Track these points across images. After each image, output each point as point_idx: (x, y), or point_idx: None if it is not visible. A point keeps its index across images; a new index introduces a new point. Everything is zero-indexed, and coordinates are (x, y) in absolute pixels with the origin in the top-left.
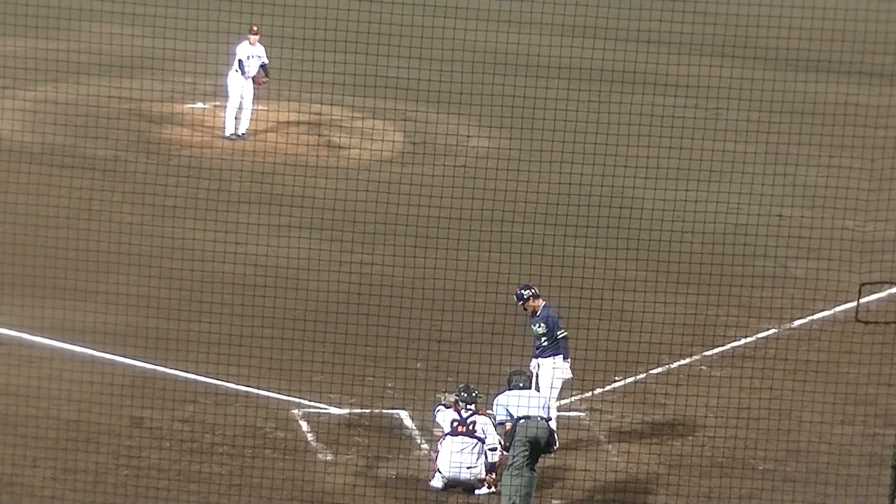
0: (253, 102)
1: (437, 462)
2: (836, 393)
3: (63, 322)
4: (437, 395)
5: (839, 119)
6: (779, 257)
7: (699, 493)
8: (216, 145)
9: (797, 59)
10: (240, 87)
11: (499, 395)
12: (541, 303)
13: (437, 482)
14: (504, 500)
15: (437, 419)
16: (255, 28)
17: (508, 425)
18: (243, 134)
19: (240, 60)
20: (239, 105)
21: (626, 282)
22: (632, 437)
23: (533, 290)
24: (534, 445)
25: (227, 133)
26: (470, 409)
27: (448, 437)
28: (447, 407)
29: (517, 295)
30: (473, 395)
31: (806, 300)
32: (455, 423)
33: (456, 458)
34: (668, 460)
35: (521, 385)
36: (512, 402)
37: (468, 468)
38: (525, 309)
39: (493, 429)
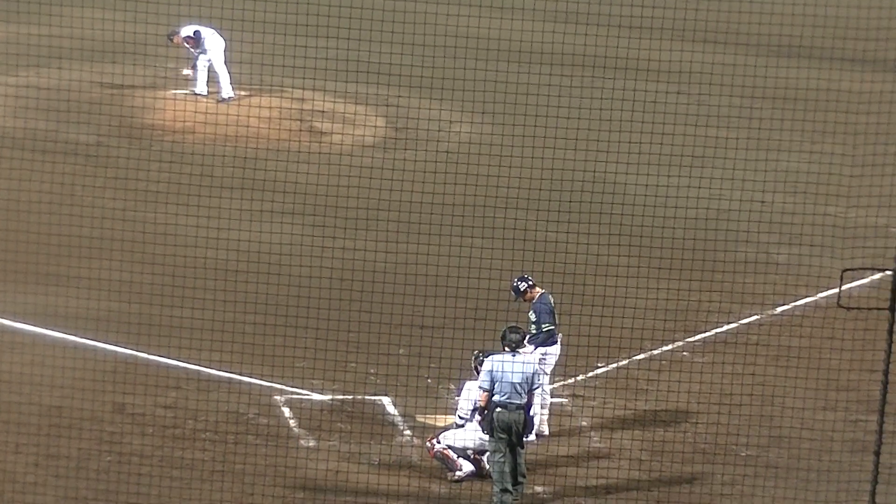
0: (226, 65)
1: (463, 441)
2: (819, 379)
3: (45, 308)
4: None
5: (822, 105)
6: (761, 243)
7: (682, 479)
8: (198, 131)
9: (779, 45)
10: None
11: (489, 358)
12: (538, 292)
13: (467, 466)
14: (496, 487)
15: (466, 393)
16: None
17: (484, 396)
18: (228, 98)
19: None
20: (207, 64)
21: (608, 267)
22: (614, 424)
23: (528, 281)
24: (509, 432)
25: (198, 91)
26: None
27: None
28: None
29: (513, 289)
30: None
31: (788, 286)
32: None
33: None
34: (650, 446)
35: (513, 344)
36: (496, 369)
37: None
38: (525, 301)
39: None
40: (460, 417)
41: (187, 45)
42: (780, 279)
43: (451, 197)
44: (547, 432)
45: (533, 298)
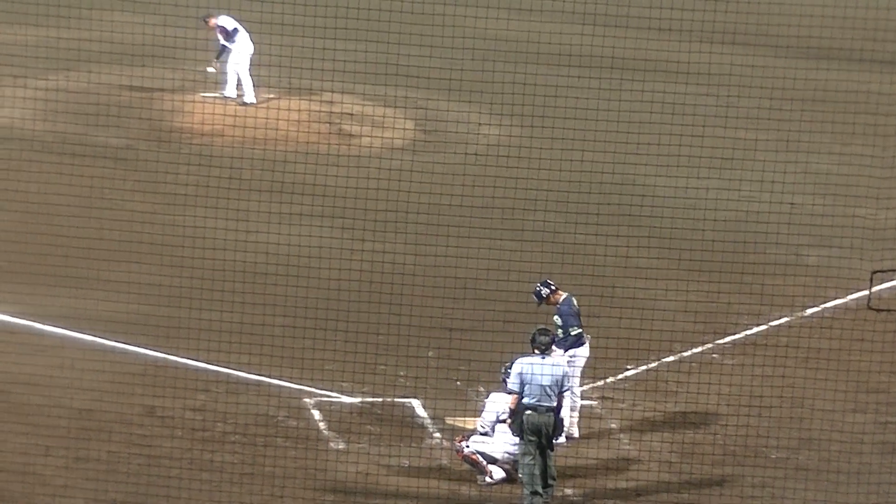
0: (250, 69)
1: (489, 450)
2: (849, 381)
3: (75, 311)
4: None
5: (851, 107)
6: (791, 245)
7: (711, 482)
8: (227, 133)
9: (809, 47)
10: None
11: (518, 360)
12: (561, 296)
13: (498, 473)
14: (525, 490)
15: (491, 406)
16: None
17: (514, 398)
18: (250, 103)
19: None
20: (236, 67)
21: (637, 269)
22: (644, 426)
23: (551, 286)
24: (538, 435)
25: (227, 94)
26: None
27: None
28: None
29: (536, 294)
30: None
31: (818, 288)
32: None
33: (511, 443)
34: (680, 449)
35: (543, 347)
36: (526, 371)
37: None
38: (548, 305)
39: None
40: (482, 427)
41: (218, 34)
42: (810, 281)
43: (479, 199)
44: (577, 434)
45: (557, 302)
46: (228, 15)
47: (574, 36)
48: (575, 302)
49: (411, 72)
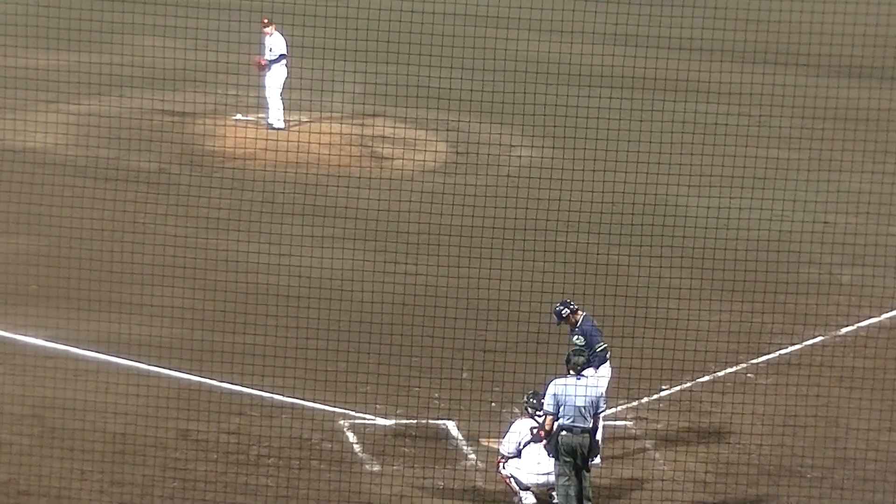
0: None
1: (520, 476)
2: (884, 400)
3: (109, 335)
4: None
5: (884, 125)
6: (825, 264)
7: (747, 501)
8: (260, 157)
9: (841, 66)
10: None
11: (553, 382)
12: (580, 315)
13: (529, 499)
14: None
15: (515, 429)
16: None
17: (549, 419)
18: (279, 128)
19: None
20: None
21: (671, 290)
22: (679, 446)
23: (571, 306)
24: (574, 455)
25: (277, 126)
26: (539, 415)
27: (531, 444)
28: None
29: (556, 314)
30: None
31: (852, 307)
32: (536, 430)
33: (544, 467)
34: (715, 468)
35: (579, 367)
36: (561, 392)
37: (548, 473)
38: (568, 325)
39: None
40: (506, 451)
41: (265, 43)
42: (844, 300)
43: (512, 220)
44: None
45: (576, 322)
46: (282, 35)
47: (606, 57)
48: (594, 320)
49: (444, 94)
